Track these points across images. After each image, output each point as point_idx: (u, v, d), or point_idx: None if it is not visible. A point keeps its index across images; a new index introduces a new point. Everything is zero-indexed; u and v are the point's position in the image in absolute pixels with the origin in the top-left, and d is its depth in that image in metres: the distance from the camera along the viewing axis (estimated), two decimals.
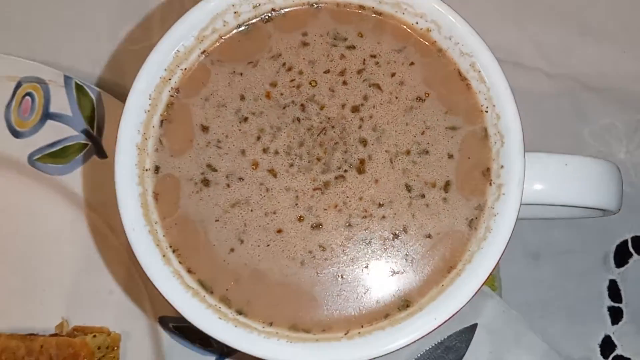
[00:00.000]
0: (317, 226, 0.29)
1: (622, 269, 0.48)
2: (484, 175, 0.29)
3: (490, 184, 0.29)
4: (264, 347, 0.27)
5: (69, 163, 0.46)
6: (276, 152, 0.29)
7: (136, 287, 0.45)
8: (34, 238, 0.46)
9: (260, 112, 0.30)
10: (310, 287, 0.28)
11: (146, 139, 0.29)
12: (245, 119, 0.30)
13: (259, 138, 0.30)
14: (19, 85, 0.46)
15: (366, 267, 0.29)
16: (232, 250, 0.29)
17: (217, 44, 0.30)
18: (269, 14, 0.31)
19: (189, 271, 0.28)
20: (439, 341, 0.44)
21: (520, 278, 0.48)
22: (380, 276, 0.28)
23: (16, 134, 0.46)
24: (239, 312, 0.28)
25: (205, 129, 0.30)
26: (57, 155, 0.46)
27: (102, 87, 0.46)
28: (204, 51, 0.30)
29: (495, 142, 0.29)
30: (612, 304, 0.48)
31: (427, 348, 0.44)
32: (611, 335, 0.47)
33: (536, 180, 0.29)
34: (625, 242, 0.49)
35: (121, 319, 0.45)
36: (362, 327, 0.28)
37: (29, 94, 0.46)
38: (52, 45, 0.50)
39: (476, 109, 0.29)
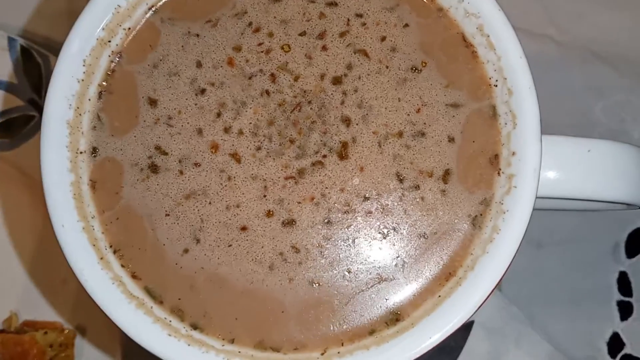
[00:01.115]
0: (290, 223, 0.24)
1: (634, 259, 0.44)
2: (492, 163, 0.24)
3: (499, 173, 0.24)
4: None
5: (15, 138, 0.40)
6: (240, 133, 0.24)
7: None
8: None
9: (221, 83, 0.24)
10: (281, 296, 0.23)
11: (80, 114, 0.24)
12: (203, 91, 0.24)
13: (219, 115, 0.24)
14: None
15: (348, 272, 0.24)
16: (186, 251, 0.24)
17: None
18: None
19: (134, 276, 0.23)
20: None
21: (521, 269, 0.44)
22: (365, 284, 0.23)
23: None
24: (194, 327, 0.23)
25: (153, 102, 0.24)
26: (3, 129, 0.40)
27: (36, 43, 0.40)
28: (152, 6, 0.25)
29: (506, 124, 0.24)
30: (622, 298, 0.44)
31: None
32: (619, 332, 0.43)
33: (553, 169, 0.24)
34: (638, 229, 0.44)
35: (77, 311, 0.40)
36: (342, 345, 0.23)
37: None
38: None
39: (483, 82, 0.24)
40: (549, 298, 0.43)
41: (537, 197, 0.24)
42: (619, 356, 0.43)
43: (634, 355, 0.43)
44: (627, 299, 0.44)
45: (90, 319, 0.40)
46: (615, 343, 0.43)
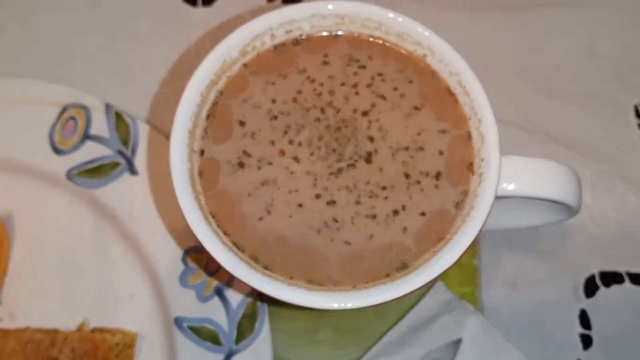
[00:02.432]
0: (332, 203, 0.35)
1: (591, 299, 0.54)
2: (468, 168, 0.36)
3: (473, 174, 0.35)
4: (286, 292, 0.32)
5: (104, 178, 0.52)
6: (299, 144, 0.36)
7: (156, 291, 0.50)
8: (63, 245, 0.51)
9: (287, 113, 0.37)
10: (324, 250, 0.34)
11: (195, 127, 0.36)
12: (275, 117, 0.37)
13: (286, 132, 0.36)
14: (64, 110, 0.53)
15: (371, 236, 0.34)
16: (260, 219, 0.35)
17: (256, 59, 0.38)
18: (298, 38, 0.38)
19: (225, 233, 0.34)
20: (426, 353, 0.49)
21: (500, 305, 0.53)
22: (382, 244, 0.34)
23: (57, 151, 0.52)
24: (266, 268, 0.34)
25: (242, 123, 0.37)
26: (94, 171, 0.52)
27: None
28: (245, 64, 0.38)
29: (477, 142, 0.36)
30: (583, 331, 0.53)
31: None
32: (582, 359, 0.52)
33: (511, 175, 0.35)
34: (593, 276, 0.54)
35: (137, 321, 0.49)
36: (367, 283, 0.33)
37: (72, 117, 0.53)
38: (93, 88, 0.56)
39: (462, 118, 0.37)
40: (523, 330, 0.52)
41: (499, 196, 0.35)
42: None
43: None
44: (587, 332, 0.53)
45: (148, 328, 0.49)
46: None
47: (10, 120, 0.53)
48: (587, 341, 0.52)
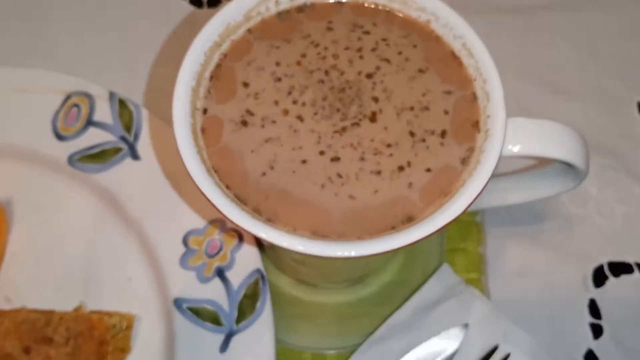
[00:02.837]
0: (336, 159, 0.35)
1: (600, 289, 0.53)
2: (474, 126, 0.36)
3: (479, 132, 0.35)
4: (289, 240, 0.31)
5: (105, 163, 0.52)
6: (303, 104, 0.36)
7: (155, 274, 0.49)
8: (62, 230, 0.51)
9: (291, 75, 0.37)
10: (328, 204, 0.34)
11: (199, 85, 0.36)
12: (279, 79, 0.37)
13: (289, 93, 0.36)
14: (68, 98, 0.53)
15: (376, 191, 0.34)
16: (263, 174, 0.34)
17: (260, 24, 0.38)
18: (302, 5, 0.39)
19: (227, 187, 0.34)
20: (432, 337, 0.47)
21: (507, 294, 0.52)
22: (387, 198, 0.34)
23: (60, 137, 0.52)
24: (268, 220, 0.33)
25: (246, 85, 0.37)
26: (95, 156, 0.52)
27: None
28: (249, 29, 0.38)
29: (483, 101, 0.36)
30: (593, 320, 0.52)
31: (421, 344, 0.47)
32: (593, 349, 0.51)
33: (516, 136, 0.35)
34: (601, 266, 0.54)
35: (136, 304, 0.48)
36: (371, 235, 0.33)
37: (76, 105, 0.53)
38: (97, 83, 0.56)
39: (467, 79, 0.37)
40: (531, 318, 0.51)
41: (506, 156, 0.35)
42: None
43: None
44: (597, 321, 0.52)
45: (146, 311, 0.48)
46: (590, 357, 0.51)
47: (14, 107, 0.53)
48: (597, 331, 0.51)
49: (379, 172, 0.34)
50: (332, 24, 0.38)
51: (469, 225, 0.53)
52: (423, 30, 0.38)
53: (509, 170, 0.46)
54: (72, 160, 0.52)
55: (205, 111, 0.36)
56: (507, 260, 0.54)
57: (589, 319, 0.52)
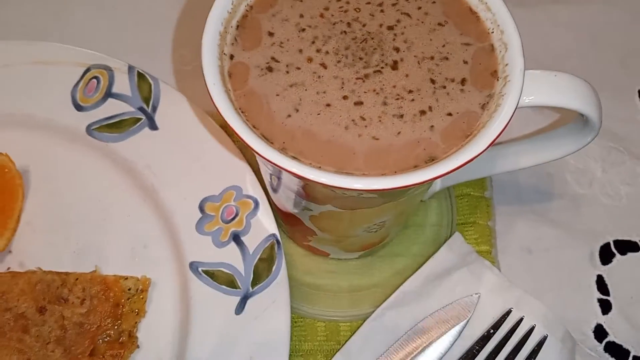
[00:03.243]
0: (359, 103, 0.36)
1: (607, 265, 0.53)
2: (492, 75, 0.37)
3: (498, 79, 0.36)
4: (315, 173, 0.32)
5: (123, 133, 0.52)
6: (327, 52, 0.37)
7: (171, 239, 0.49)
8: (78, 197, 0.51)
9: (315, 26, 0.38)
10: (352, 144, 0.34)
11: (226, 32, 0.37)
12: (303, 30, 0.38)
13: (313, 42, 0.38)
14: (87, 70, 0.54)
15: (399, 133, 0.35)
16: (289, 116, 0.35)
17: None
18: None
19: (254, 127, 0.35)
20: (445, 306, 0.48)
21: (516, 269, 0.53)
22: (410, 139, 0.35)
23: (79, 107, 0.53)
24: (294, 158, 0.34)
25: (271, 34, 0.38)
26: (114, 126, 0.53)
27: None
28: None
29: (501, 51, 0.37)
30: (601, 296, 0.52)
31: (431, 313, 0.48)
32: (602, 324, 0.51)
33: (529, 87, 0.36)
34: (608, 244, 0.54)
35: (151, 269, 0.48)
36: (395, 173, 0.33)
37: (95, 77, 0.54)
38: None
39: (484, 32, 0.38)
40: (540, 293, 0.51)
41: (522, 107, 0.36)
42: (604, 342, 0.51)
43: (617, 343, 0.51)
44: (605, 297, 0.52)
45: (161, 276, 0.48)
46: (599, 331, 0.51)
47: (33, 79, 0.54)
48: (606, 306, 0.52)
49: (401, 116, 0.35)
50: None
51: (479, 200, 0.54)
52: None
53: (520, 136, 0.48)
54: (90, 129, 0.53)
55: (232, 57, 0.37)
56: (515, 236, 0.54)
57: (597, 294, 0.52)
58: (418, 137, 0.35)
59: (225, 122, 0.34)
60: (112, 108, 0.53)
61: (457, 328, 0.47)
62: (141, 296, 0.47)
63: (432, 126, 0.35)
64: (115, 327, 0.45)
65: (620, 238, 0.54)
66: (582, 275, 0.53)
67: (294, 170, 0.32)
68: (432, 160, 0.34)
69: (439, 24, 0.39)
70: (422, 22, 0.39)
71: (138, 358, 0.46)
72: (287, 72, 0.37)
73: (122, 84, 0.54)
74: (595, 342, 0.50)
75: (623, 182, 0.57)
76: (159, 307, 0.47)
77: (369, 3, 0.39)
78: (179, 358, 0.45)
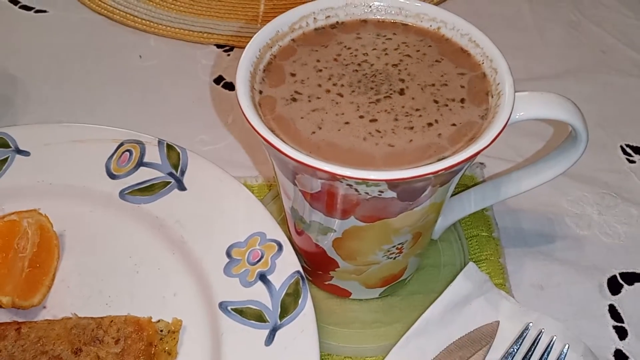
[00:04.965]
0: (374, 120, 0.41)
1: (617, 296, 0.56)
2: (487, 94, 0.43)
3: (492, 96, 0.42)
4: (341, 169, 0.37)
5: (154, 195, 0.57)
6: (342, 85, 0.43)
7: (200, 284, 0.52)
8: (110, 255, 0.55)
9: (330, 67, 0.45)
10: (371, 151, 0.39)
11: (255, 73, 0.43)
12: (320, 70, 0.44)
13: (329, 79, 0.44)
14: (121, 145, 0.60)
15: (411, 140, 0.40)
16: (313, 132, 0.40)
17: (301, 35, 0.47)
18: (334, 24, 0.48)
19: (283, 141, 0.40)
20: (467, 333, 0.50)
21: (530, 304, 0.55)
22: (421, 145, 0.40)
23: (112, 176, 0.58)
24: None
25: (293, 75, 0.44)
26: (145, 190, 0.57)
27: None
28: (293, 39, 0.47)
29: (492, 75, 0.43)
30: (616, 323, 0.54)
31: (455, 340, 0.50)
32: (621, 349, 0.53)
33: (519, 105, 0.42)
34: (615, 276, 0.57)
35: (182, 313, 0.51)
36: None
37: (128, 150, 0.60)
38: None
39: (476, 64, 0.44)
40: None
41: (512, 123, 0.41)
42: None
43: None
44: (620, 324, 0.54)
45: (192, 319, 0.50)
46: (620, 356, 0.52)
47: (72, 155, 0.60)
48: (622, 332, 0.54)
49: (411, 128, 0.41)
50: (360, 34, 0.47)
51: (488, 239, 0.57)
52: (435, 35, 0.47)
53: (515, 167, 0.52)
54: (122, 194, 0.57)
55: (260, 92, 0.43)
56: (526, 274, 0.57)
57: (611, 322, 0.54)
58: (428, 143, 0.40)
59: (262, 136, 0.39)
60: (144, 175, 0.58)
61: (481, 353, 0.49)
62: (173, 337, 0.48)
63: (439, 134, 0.40)
64: None
65: (625, 270, 0.57)
66: (595, 306, 0.55)
67: (323, 167, 0.37)
68: (441, 159, 0.39)
69: (436, 61, 0.45)
70: (422, 60, 0.45)
71: None
72: (309, 100, 0.42)
73: (153, 155, 0.59)
74: None
75: (619, 222, 0.61)
76: (191, 347, 0.49)
77: (374, 49, 0.46)
78: None
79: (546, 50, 0.80)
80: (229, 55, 0.79)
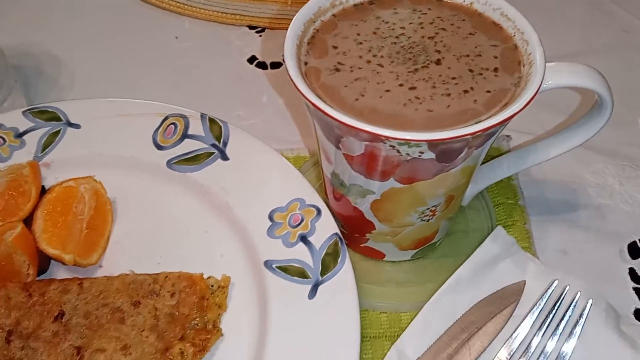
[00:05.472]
0: (413, 88, 0.44)
1: (636, 260, 0.59)
2: (519, 64, 0.46)
3: (524, 66, 0.45)
4: (384, 130, 0.40)
5: (199, 164, 0.61)
6: (381, 56, 0.47)
7: (245, 246, 0.56)
8: (159, 220, 0.59)
9: (369, 40, 0.48)
10: (411, 116, 0.42)
11: (301, 46, 0.47)
12: (360, 43, 0.48)
13: (369, 50, 0.47)
14: (166, 118, 0.64)
15: (448, 106, 0.43)
16: (356, 99, 0.44)
17: (342, 11, 0.50)
18: (372, 0, 0.51)
19: (331, 107, 0.43)
20: (496, 291, 0.53)
21: (554, 267, 0.58)
22: (458, 110, 0.43)
23: (159, 147, 0.62)
24: None
25: (335, 47, 0.47)
26: (190, 160, 0.61)
27: None
28: (334, 14, 0.50)
29: (523, 46, 0.46)
30: (636, 285, 0.57)
31: (482, 298, 0.53)
32: None
33: (552, 73, 0.45)
34: (635, 242, 0.60)
35: (228, 273, 0.54)
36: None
37: (173, 123, 0.63)
38: None
39: (508, 37, 0.47)
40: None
41: (543, 90, 0.44)
42: None
43: None
44: (639, 286, 0.57)
45: (238, 277, 0.54)
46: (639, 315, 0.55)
47: (120, 128, 0.63)
48: None
49: (449, 94, 0.44)
50: (396, 9, 0.50)
51: (514, 207, 0.61)
52: (468, 10, 0.50)
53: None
54: (169, 163, 0.61)
55: (306, 63, 0.46)
56: (550, 241, 0.60)
57: (631, 284, 0.57)
58: (465, 108, 0.43)
59: (310, 102, 0.42)
60: (189, 146, 0.62)
61: (509, 309, 0.52)
62: (222, 292, 0.52)
63: (475, 100, 0.44)
64: (202, 317, 0.50)
65: None
66: (616, 269, 0.58)
67: (369, 129, 0.40)
68: (478, 122, 0.42)
69: (470, 34, 0.48)
70: (456, 33, 0.48)
71: (222, 346, 0.50)
72: (352, 71, 0.46)
73: (196, 127, 0.63)
74: (637, 322, 0.54)
75: (639, 192, 0.64)
76: (239, 301, 0.52)
77: (411, 23, 0.49)
78: (260, 341, 0.49)
79: (568, 30, 0.82)
80: (260, 36, 0.83)
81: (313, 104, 0.42)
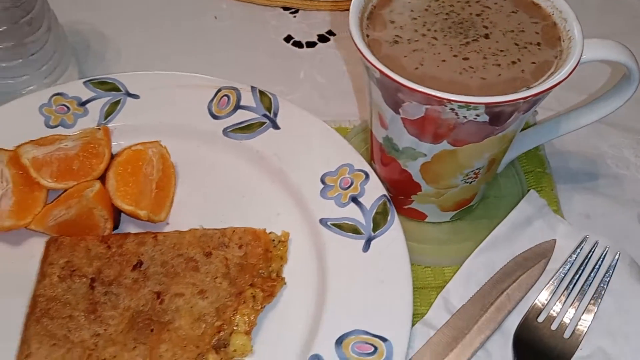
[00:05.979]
0: (466, 59, 0.50)
1: None
2: (558, 39, 0.51)
3: (564, 41, 0.51)
4: (445, 94, 0.45)
5: (253, 132, 0.66)
6: (435, 31, 0.52)
7: (300, 205, 0.61)
8: (219, 182, 0.64)
9: (423, 16, 0.53)
10: (467, 83, 0.48)
11: (362, 21, 0.52)
12: (415, 18, 0.53)
13: (424, 25, 0.52)
14: (219, 90, 0.68)
15: (499, 75, 0.48)
16: (416, 68, 0.49)
17: None
18: None
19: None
20: (530, 248, 0.59)
21: (579, 230, 0.64)
22: (508, 78, 0.48)
23: (215, 117, 0.67)
24: None
25: (392, 22, 0.53)
26: (245, 128, 0.66)
27: None
28: None
29: (561, 24, 0.51)
30: None
31: (518, 254, 0.58)
32: None
33: (588, 49, 0.50)
34: None
35: (286, 229, 0.60)
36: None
37: (226, 95, 0.68)
38: None
39: (547, 15, 0.53)
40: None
41: (580, 63, 0.50)
42: None
43: None
44: None
45: (295, 233, 0.59)
46: None
47: (177, 98, 0.68)
48: None
49: (499, 65, 0.49)
50: None
51: (542, 174, 0.66)
52: None
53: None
54: (226, 131, 0.66)
55: (367, 36, 0.51)
56: (574, 206, 0.66)
57: None
58: (514, 76, 0.48)
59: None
60: (242, 116, 0.67)
61: (542, 263, 0.58)
62: (283, 245, 0.57)
63: (522, 70, 0.49)
64: (267, 267, 0.55)
65: None
66: (635, 231, 0.64)
67: (436, 93, 0.45)
68: (527, 89, 0.47)
69: (512, 12, 0.53)
70: (500, 11, 0.53)
71: (286, 293, 0.56)
72: (409, 43, 0.51)
73: (248, 99, 0.68)
74: None
75: None
76: (299, 255, 0.58)
77: (459, 2, 0.54)
78: (320, 289, 0.55)
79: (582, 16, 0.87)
80: (295, 17, 0.87)
81: (381, 72, 0.47)
